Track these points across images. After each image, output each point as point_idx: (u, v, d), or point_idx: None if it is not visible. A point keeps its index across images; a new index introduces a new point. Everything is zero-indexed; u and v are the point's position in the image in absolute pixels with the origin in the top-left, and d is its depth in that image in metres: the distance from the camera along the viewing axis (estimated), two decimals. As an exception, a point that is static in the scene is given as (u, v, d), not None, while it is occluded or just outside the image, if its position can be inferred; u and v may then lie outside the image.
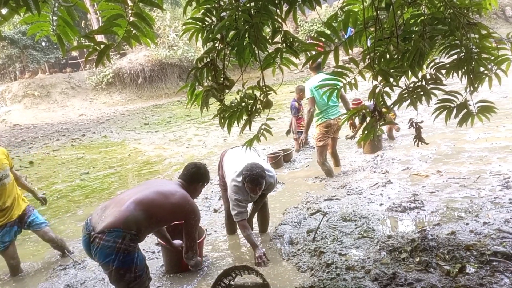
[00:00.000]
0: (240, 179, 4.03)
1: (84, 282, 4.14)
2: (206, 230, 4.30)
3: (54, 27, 2.29)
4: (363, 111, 3.01)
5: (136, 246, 2.99)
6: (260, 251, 4.00)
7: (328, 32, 2.56)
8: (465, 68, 2.75)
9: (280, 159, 7.57)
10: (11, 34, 24.89)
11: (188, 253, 3.52)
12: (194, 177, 3.55)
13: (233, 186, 4.05)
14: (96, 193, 7.64)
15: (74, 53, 29.39)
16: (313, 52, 2.59)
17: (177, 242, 3.95)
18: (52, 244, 4.71)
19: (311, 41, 2.89)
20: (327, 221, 4.61)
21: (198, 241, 3.63)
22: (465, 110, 2.89)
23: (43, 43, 27.17)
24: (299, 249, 4.10)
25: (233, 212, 4.11)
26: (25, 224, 4.49)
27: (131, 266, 2.90)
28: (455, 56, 2.77)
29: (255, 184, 3.91)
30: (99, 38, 18.44)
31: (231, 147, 4.78)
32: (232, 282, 3.70)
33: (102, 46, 2.30)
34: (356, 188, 5.62)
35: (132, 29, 2.29)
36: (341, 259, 3.72)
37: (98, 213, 3.02)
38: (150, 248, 4.68)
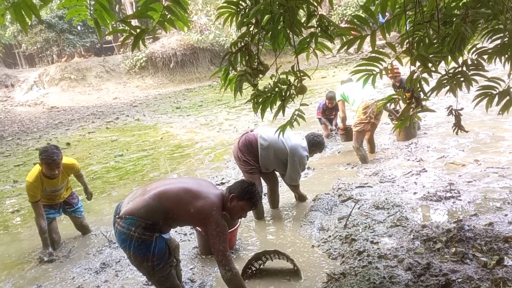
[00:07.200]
0: (307, 149, 4.71)
1: (119, 260, 4.26)
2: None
3: (91, 12, 2.32)
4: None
5: (154, 235, 2.86)
6: None
7: (364, 15, 2.49)
8: (509, 53, 2.62)
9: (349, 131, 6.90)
10: (49, 18, 25.47)
11: (220, 267, 2.97)
12: (243, 192, 3.03)
13: (305, 156, 4.69)
14: (129, 175, 7.82)
15: (108, 37, 29.85)
16: (349, 37, 2.53)
17: None
18: (85, 231, 5.13)
19: (346, 25, 2.82)
20: (358, 208, 4.56)
21: (231, 230, 3.57)
22: (508, 98, 2.76)
23: (79, 27, 27.72)
24: (330, 236, 4.08)
25: (298, 178, 4.83)
26: (71, 208, 4.95)
27: (147, 254, 2.84)
28: (498, 41, 2.65)
29: (322, 149, 4.99)
30: (133, 22, 18.63)
31: (246, 132, 4.78)
32: (262, 266, 3.74)
33: (137, 30, 2.32)
34: (389, 175, 5.52)
35: (167, 13, 2.29)
36: (373, 247, 3.68)
37: (130, 197, 3.05)
38: (182, 230, 4.75)
